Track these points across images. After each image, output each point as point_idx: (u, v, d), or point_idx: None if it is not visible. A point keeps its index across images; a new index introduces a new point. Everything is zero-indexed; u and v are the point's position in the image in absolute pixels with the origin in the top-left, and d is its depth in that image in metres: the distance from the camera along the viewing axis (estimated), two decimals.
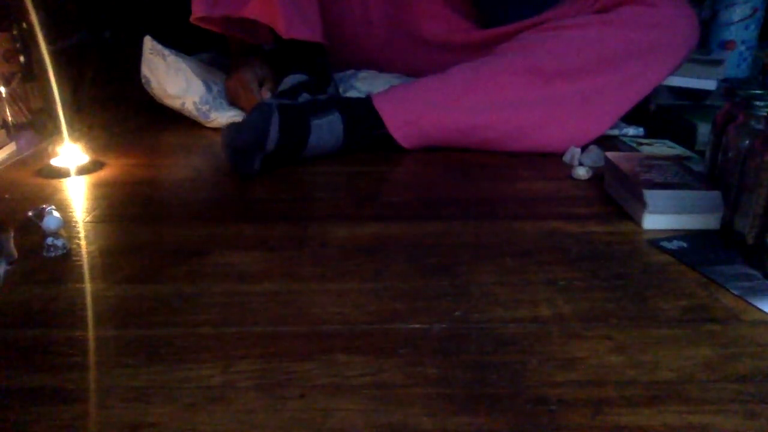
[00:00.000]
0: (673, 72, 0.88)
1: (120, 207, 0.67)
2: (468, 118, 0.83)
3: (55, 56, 0.89)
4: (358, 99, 0.87)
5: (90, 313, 0.46)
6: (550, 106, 0.83)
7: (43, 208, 0.58)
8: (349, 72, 1.06)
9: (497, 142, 0.85)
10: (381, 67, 1.07)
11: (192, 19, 0.88)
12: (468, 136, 0.85)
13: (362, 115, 0.83)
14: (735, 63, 1.07)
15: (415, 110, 0.83)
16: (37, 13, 0.87)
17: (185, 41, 1.01)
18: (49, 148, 0.82)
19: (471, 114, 0.83)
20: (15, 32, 0.89)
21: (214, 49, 1.10)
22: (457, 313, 0.46)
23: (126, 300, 0.48)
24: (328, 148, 0.82)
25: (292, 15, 0.86)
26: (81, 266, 0.53)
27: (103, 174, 0.77)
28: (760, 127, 0.56)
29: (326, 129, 0.80)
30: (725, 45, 1.07)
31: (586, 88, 0.83)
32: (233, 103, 0.98)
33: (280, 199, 0.70)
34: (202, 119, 0.97)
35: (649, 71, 0.85)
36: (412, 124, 0.84)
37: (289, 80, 0.89)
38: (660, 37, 0.84)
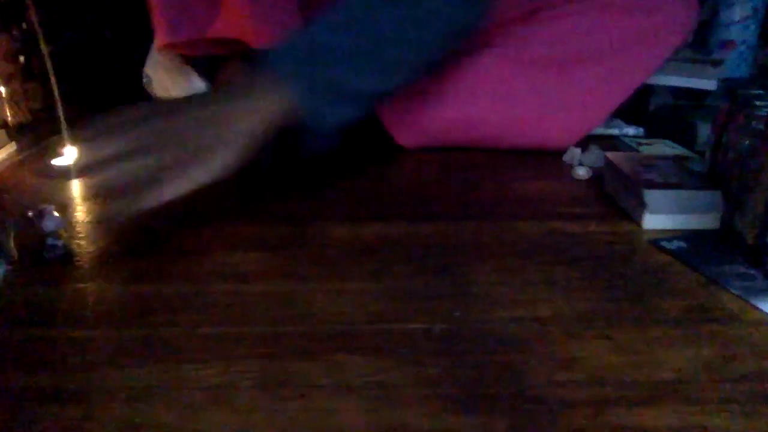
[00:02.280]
0: (672, 67, 0.87)
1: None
2: (463, 112, 0.83)
3: (55, 56, 0.89)
4: None
5: (90, 313, 0.46)
6: (549, 97, 0.83)
7: (43, 208, 0.58)
8: None
9: (495, 137, 0.84)
10: None
11: (157, 47, 0.88)
12: (465, 132, 0.84)
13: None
14: (735, 63, 1.07)
15: (410, 106, 0.83)
16: (37, 13, 0.87)
17: None
18: (49, 148, 0.82)
19: (466, 108, 0.83)
20: (15, 32, 0.89)
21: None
22: (457, 313, 0.46)
23: (126, 300, 0.48)
24: (325, 147, 0.81)
25: (263, 23, 0.84)
26: (81, 266, 0.53)
27: None
28: (760, 127, 0.56)
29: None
30: (725, 45, 1.07)
31: (585, 77, 0.83)
32: None
33: (280, 199, 0.70)
34: None
35: (647, 56, 0.84)
36: (409, 121, 0.83)
37: None
38: (657, 21, 0.83)
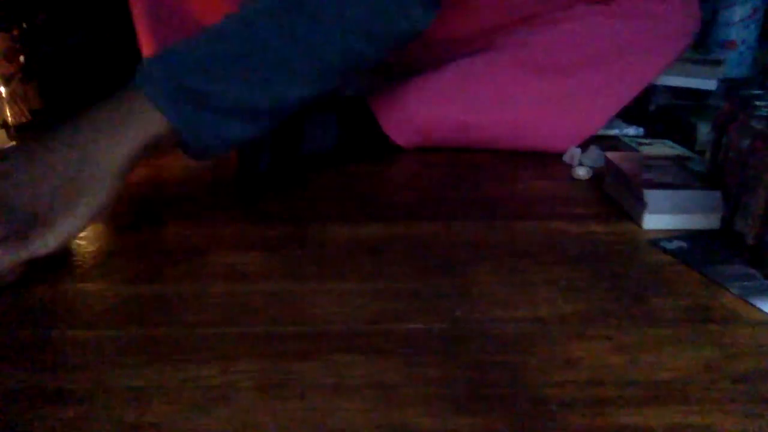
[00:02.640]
0: (672, 67, 0.87)
1: (120, 207, 0.67)
2: (463, 115, 0.83)
3: (55, 56, 0.89)
4: (352, 97, 0.87)
5: (90, 313, 0.46)
6: (549, 101, 0.83)
7: None
8: None
9: (494, 140, 0.85)
10: None
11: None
12: (464, 134, 0.84)
13: (356, 114, 0.83)
14: (735, 63, 1.07)
15: (409, 108, 0.83)
16: (37, 13, 0.87)
17: None
18: None
19: (466, 111, 0.83)
20: (15, 32, 0.89)
21: None
22: (457, 313, 0.46)
23: (126, 300, 0.48)
24: (323, 147, 0.81)
25: None
26: (81, 266, 0.53)
27: None
28: (760, 127, 0.56)
29: (320, 128, 0.80)
30: (725, 45, 1.07)
31: (586, 81, 0.83)
32: None
33: (280, 199, 0.70)
34: None
35: (650, 62, 0.84)
36: (407, 122, 0.83)
37: None
38: (658, 27, 0.83)
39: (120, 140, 0.52)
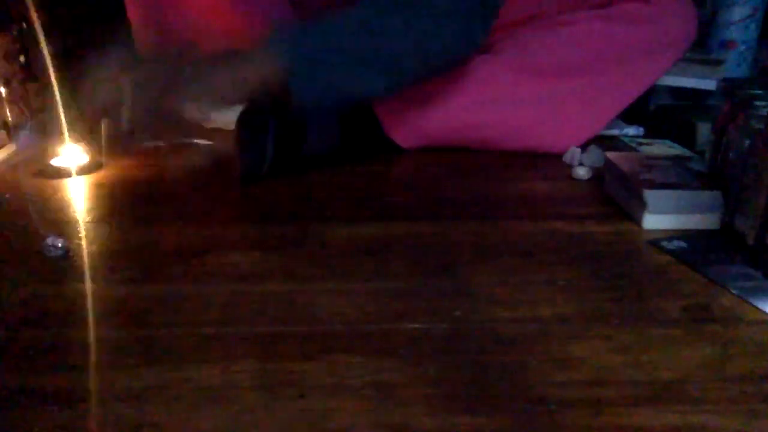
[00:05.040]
0: (672, 67, 0.88)
1: (120, 207, 0.67)
2: (464, 117, 0.83)
3: (55, 56, 0.89)
4: None
5: (90, 313, 0.46)
6: (548, 104, 0.83)
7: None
8: None
9: (495, 141, 0.85)
10: None
11: None
12: (465, 135, 0.85)
13: (358, 115, 0.83)
14: (735, 63, 1.07)
15: (411, 109, 0.83)
16: (37, 13, 0.87)
17: None
18: (49, 148, 0.82)
19: (467, 112, 0.83)
20: (15, 32, 0.89)
21: None
22: (457, 313, 0.46)
23: (126, 300, 0.48)
24: (325, 148, 0.81)
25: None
26: (81, 266, 0.53)
27: (103, 174, 0.77)
28: (760, 127, 0.56)
29: (322, 129, 0.80)
30: (725, 45, 1.07)
31: (585, 85, 0.83)
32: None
33: (280, 199, 0.70)
34: (202, 120, 0.97)
35: (648, 67, 0.85)
36: (409, 124, 0.83)
37: None
38: (658, 32, 0.84)
39: (249, 71, 0.69)
